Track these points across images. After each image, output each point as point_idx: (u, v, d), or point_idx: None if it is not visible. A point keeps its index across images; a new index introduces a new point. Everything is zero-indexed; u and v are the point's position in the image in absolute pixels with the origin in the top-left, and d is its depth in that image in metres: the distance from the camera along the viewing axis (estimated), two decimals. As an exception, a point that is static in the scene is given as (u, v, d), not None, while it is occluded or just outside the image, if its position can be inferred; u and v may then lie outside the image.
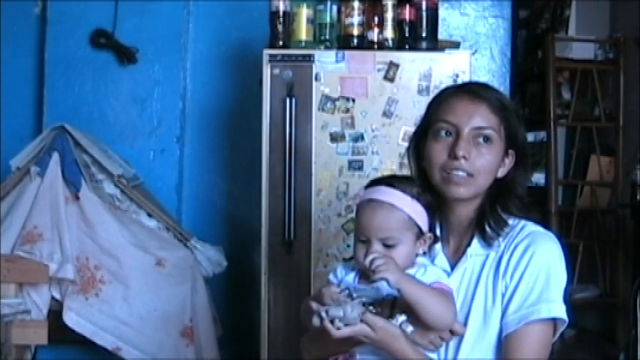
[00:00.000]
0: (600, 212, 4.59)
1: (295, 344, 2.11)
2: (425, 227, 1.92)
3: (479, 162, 1.89)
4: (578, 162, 4.72)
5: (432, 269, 1.91)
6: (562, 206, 4.61)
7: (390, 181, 1.95)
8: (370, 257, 1.83)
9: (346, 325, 1.77)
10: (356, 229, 1.94)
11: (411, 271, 1.89)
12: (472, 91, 1.94)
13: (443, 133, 1.92)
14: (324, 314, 1.77)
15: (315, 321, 1.80)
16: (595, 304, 4.59)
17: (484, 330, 1.88)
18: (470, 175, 1.89)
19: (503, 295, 1.88)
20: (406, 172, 3.31)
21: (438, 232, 1.99)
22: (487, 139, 1.89)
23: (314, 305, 1.82)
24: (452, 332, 1.88)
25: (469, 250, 1.94)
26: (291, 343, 3.25)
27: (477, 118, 1.89)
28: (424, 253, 1.94)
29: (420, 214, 1.90)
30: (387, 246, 1.88)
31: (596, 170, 4.62)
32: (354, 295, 1.83)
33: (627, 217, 4.32)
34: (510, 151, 1.94)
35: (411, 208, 1.89)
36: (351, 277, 1.93)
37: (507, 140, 1.92)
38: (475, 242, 1.94)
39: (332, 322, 1.77)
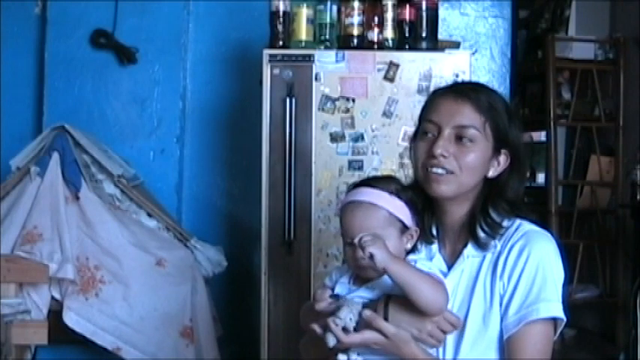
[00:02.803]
0: (600, 212, 4.59)
1: (295, 344, 2.11)
2: (408, 222, 1.92)
3: (459, 160, 1.89)
4: (578, 162, 4.72)
5: (423, 262, 1.91)
6: (562, 206, 4.62)
7: (368, 181, 1.97)
8: (359, 235, 1.83)
9: (357, 324, 1.79)
10: (341, 232, 1.94)
11: None
12: (457, 90, 1.94)
13: (427, 132, 1.92)
14: (334, 324, 1.79)
15: (331, 340, 1.80)
16: (595, 304, 4.59)
17: (483, 330, 1.88)
18: (450, 173, 1.89)
19: (501, 297, 1.87)
20: (405, 172, 3.34)
21: (434, 233, 1.99)
22: (469, 136, 1.89)
23: (325, 321, 1.82)
24: (452, 325, 1.87)
25: (465, 251, 1.94)
26: (291, 343, 3.25)
27: (459, 116, 1.89)
28: (414, 250, 1.94)
29: (400, 209, 1.90)
30: None
31: (596, 170, 4.63)
32: (347, 296, 1.86)
33: (627, 217, 4.33)
34: (503, 151, 1.93)
35: (389, 203, 1.89)
36: (345, 280, 1.94)
37: (496, 140, 1.91)
38: (470, 244, 1.94)
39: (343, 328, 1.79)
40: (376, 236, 1.83)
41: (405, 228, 1.91)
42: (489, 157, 1.92)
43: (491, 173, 1.93)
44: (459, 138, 1.89)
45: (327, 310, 1.87)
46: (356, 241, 1.83)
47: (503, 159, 1.93)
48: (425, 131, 1.93)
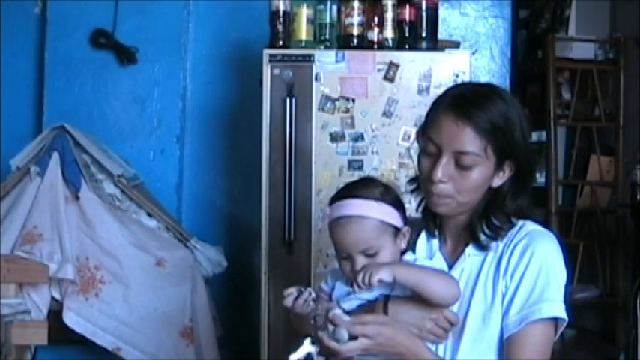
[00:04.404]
0: (600, 212, 4.59)
1: (295, 344, 2.11)
2: (399, 223, 1.91)
3: (459, 184, 1.86)
4: (578, 162, 4.71)
5: (422, 261, 1.92)
6: (562, 206, 4.61)
7: (352, 191, 1.93)
8: (354, 278, 1.83)
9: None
10: (335, 247, 1.93)
11: None
12: (459, 108, 1.86)
13: (428, 150, 1.90)
14: (331, 342, 1.77)
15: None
16: (595, 304, 4.59)
17: (483, 330, 1.88)
18: (449, 197, 1.88)
19: (503, 295, 1.87)
20: (405, 172, 3.35)
21: (437, 223, 1.99)
22: (468, 162, 1.85)
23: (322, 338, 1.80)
24: (450, 323, 1.88)
25: (467, 250, 1.93)
26: (291, 343, 3.24)
27: (459, 142, 1.84)
28: (413, 250, 1.94)
29: (389, 214, 1.90)
30: (370, 255, 1.88)
31: (596, 170, 4.62)
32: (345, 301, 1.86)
33: (627, 217, 4.32)
34: (508, 162, 1.89)
35: (379, 212, 1.88)
36: (342, 283, 1.94)
37: (499, 157, 1.87)
38: (471, 244, 1.93)
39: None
40: (366, 265, 1.83)
41: (397, 231, 1.91)
42: (492, 173, 1.89)
43: (495, 183, 1.91)
44: (458, 162, 1.86)
45: (301, 309, 1.86)
46: (355, 286, 1.80)
47: (507, 169, 1.90)
48: (426, 148, 1.90)
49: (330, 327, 1.77)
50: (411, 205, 2.05)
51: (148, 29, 4.16)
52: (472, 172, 1.86)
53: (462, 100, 1.89)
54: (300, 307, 1.87)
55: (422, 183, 1.93)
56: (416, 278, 1.80)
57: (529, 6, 5.23)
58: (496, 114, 1.86)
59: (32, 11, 4.24)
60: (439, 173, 1.86)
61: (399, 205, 1.93)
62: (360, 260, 1.88)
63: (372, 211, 1.88)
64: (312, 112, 3.44)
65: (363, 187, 1.93)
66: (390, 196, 1.92)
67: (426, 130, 1.91)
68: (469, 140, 1.84)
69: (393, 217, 1.90)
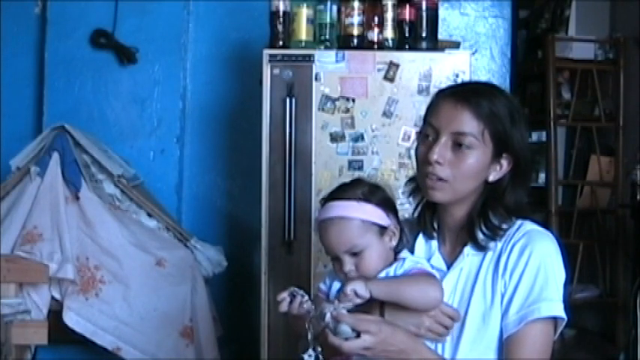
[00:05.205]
0: (600, 212, 4.59)
1: (295, 344, 2.11)
2: (385, 222, 1.91)
3: (455, 168, 1.87)
4: (578, 162, 4.72)
5: (411, 258, 1.92)
6: (562, 206, 4.62)
7: (336, 194, 1.95)
8: (344, 278, 1.88)
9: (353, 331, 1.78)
10: (324, 250, 1.95)
11: (390, 269, 1.90)
12: (459, 94, 1.90)
13: (426, 135, 1.91)
14: (336, 340, 1.77)
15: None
16: (595, 304, 4.59)
17: (483, 330, 1.88)
18: (443, 180, 1.88)
19: (502, 295, 1.87)
20: (405, 172, 3.35)
21: (435, 227, 1.99)
22: (466, 144, 1.86)
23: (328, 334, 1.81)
24: (451, 319, 1.88)
25: (465, 250, 1.93)
26: (291, 343, 3.24)
27: (457, 123, 1.87)
28: (403, 249, 1.94)
29: (372, 213, 1.90)
30: (355, 254, 1.89)
31: (596, 170, 4.63)
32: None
33: (627, 217, 4.32)
34: (505, 155, 1.90)
35: (359, 211, 1.89)
36: (339, 284, 1.94)
37: (496, 146, 1.88)
38: (470, 244, 1.93)
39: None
40: (355, 261, 1.87)
41: (382, 229, 1.91)
42: (488, 162, 1.89)
43: (491, 177, 1.91)
44: (456, 144, 1.87)
45: (298, 312, 1.87)
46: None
47: (505, 163, 1.91)
48: (425, 134, 1.92)
49: (333, 323, 1.77)
50: (411, 205, 2.05)
51: (148, 29, 4.16)
52: (469, 155, 1.87)
53: (462, 89, 1.96)
54: (296, 309, 1.87)
55: (418, 168, 1.94)
56: (389, 291, 1.82)
57: (529, 6, 5.24)
58: (496, 103, 1.90)
59: (32, 11, 4.24)
60: (435, 154, 1.87)
61: (385, 204, 1.93)
62: (347, 260, 1.89)
63: (352, 210, 1.89)
64: (312, 112, 3.44)
65: (347, 189, 1.95)
66: (375, 195, 1.93)
67: (425, 118, 1.94)
68: (467, 121, 1.87)
69: (375, 215, 1.90)
